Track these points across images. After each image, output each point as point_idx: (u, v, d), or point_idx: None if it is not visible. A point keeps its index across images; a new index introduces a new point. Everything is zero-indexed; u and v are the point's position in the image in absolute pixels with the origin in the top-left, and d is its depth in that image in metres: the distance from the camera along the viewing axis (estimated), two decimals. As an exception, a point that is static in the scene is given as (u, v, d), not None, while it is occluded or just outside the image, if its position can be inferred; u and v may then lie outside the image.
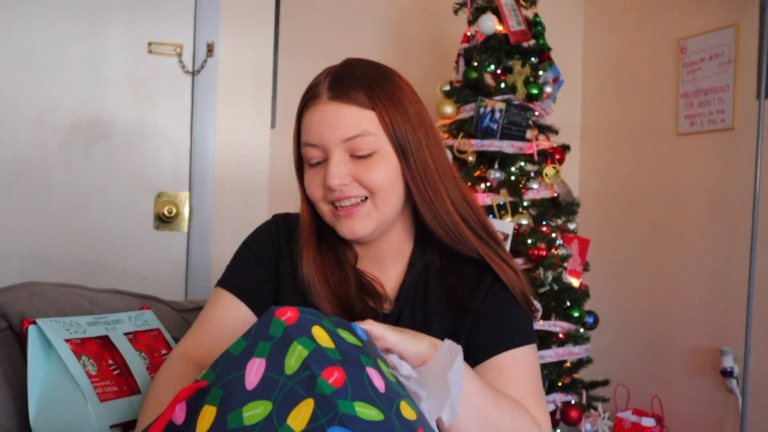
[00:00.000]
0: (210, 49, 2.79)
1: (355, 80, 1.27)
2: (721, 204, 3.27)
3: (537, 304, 1.37)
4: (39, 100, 2.67)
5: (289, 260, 1.35)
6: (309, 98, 1.29)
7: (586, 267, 3.15)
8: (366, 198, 1.27)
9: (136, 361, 1.30)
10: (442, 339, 1.12)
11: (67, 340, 1.20)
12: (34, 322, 1.20)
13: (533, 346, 1.31)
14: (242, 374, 0.89)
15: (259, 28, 2.90)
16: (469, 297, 1.31)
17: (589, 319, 3.07)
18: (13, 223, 2.65)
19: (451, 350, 1.05)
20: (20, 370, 1.28)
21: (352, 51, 3.39)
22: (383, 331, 1.04)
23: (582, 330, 3.00)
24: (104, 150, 2.74)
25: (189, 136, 2.82)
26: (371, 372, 0.90)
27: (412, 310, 1.32)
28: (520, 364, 1.27)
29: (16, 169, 2.66)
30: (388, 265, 1.37)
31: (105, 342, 1.30)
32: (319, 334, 0.91)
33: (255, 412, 0.86)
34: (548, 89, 3.08)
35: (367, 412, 0.84)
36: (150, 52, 2.76)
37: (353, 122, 1.24)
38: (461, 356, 1.05)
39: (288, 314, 0.91)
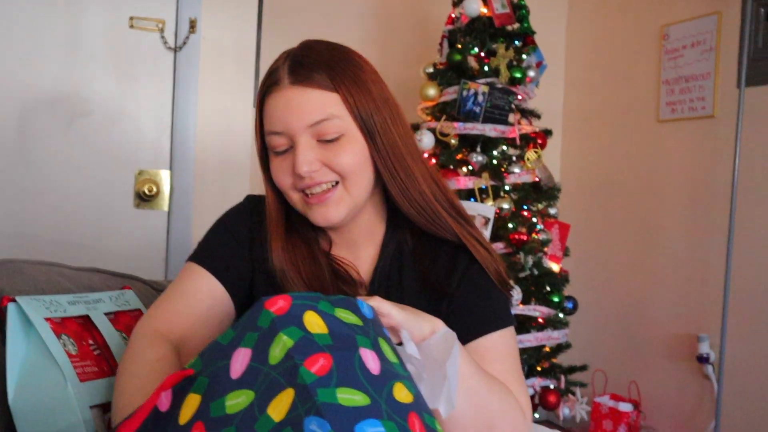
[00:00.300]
0: (192, 25, 2.76)
1: (315, 63, 1.22)
2: (700, 191, 3.29)
3: (514, 286, 1.36)
4: (17, 76, 2.63)
5: (260, 245, 1.32)
6: (269, 85, 1.24)
7: (566, 252, 3.16)
8: (337, 183, 1.24)
9: (116, 342, 1.29)
10: None
11: (47, 319, 1.19)
12: (14, 300, 1.18)
13: (511, 329, 1.30)
14: (227, 363, 0.88)
15: (243, 4, 2.87)
16: (445, 280, 1.30)
17: (569, 305, 3.08)
18: (-10, 199, 2.62)
19: (446, 338, 1.04)
20: (1, 350, 1.26)
21: (335, 29, 3.39)
22: (389, 308, 1.02)
23: (561, 315, 3.01)
24: (84, 127, 2.71)
25: (170, 113, 2.79)
26: (365, 353, 0.89)
27: (387, 295, 1.29)
28: (500, 347, 1.26)
29: (-7, 145, 2.62)
30: (361, 249, 1.35)
31: (85, 321, 1.28)
32: (311, 320, 0.89)
33: (237, 401, 0.86)
34: (531, 73, 3.08)
35: (350, 398, 0.82)
36: (131, 27, 2.73)
37: (318, 106, 1.20)
38: (458, 347, 1.04)
39: (279, 304, 0.90)
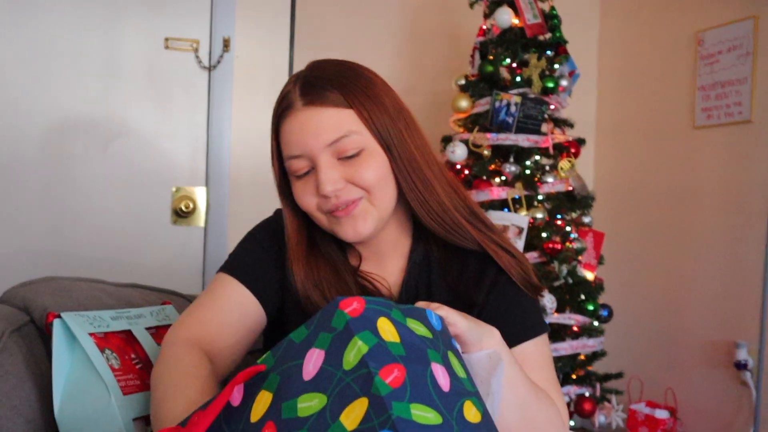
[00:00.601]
0: (226, 44, 2.81)
1: (326, 81, 1.22)
2: (736, 197, 3.26)
3: (543, 287, 1.34)
4: (57, 97, 2.70)
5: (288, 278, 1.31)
6: (283, 109, 1.24)
7: (600, 260, 3.16)
8: (362, 197, 1.23)
9: (157, 356, 1.32)
10: None
11: (91, 334, 1.22)
12: (59, 316, 1.22)
13: (545, 336, 1.29)
14: (300, 363, 0.87)
15: (275, 22, 2.92)
16: (474, 291, 1.29)
17: (604, 312, 3.08)
18: (32, 219, 2.69)
19: (490, 357, 1.03)
20: (43, 363, 1.30)
21: (367, 45, 3.43)
22: (455, 317, 1.01)
23: (596, 323, 3.01)
24: (122, 146, 2.76)
25: (205, 131, 2.84)
26: (436, 369, 0.87)
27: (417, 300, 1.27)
28: (535, 356, 1.25)
29: (35, 166, 2.69)
30: (388, 262, 1.35)
31: (127, 336, 1.32)
32: (384, 326, 0.87)
33: (310, 404, 0.85)
34: (564, 83, 3.09)
35: (423, 414, 0.81)
36: (167, 47, 2.79)
37: (334, 124, 1.20)
38: (503, 366, 1.03)
39: (353, 305, 0.88)
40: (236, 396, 0.91)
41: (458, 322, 1.02)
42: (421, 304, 1.02)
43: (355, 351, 0.84)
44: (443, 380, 0.86)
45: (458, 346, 1.00)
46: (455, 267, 1.33)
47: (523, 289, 1.31)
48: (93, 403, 1.16)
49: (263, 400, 0.88)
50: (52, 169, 2.70)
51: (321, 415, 0.83)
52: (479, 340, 1.04)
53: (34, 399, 1.24)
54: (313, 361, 0.86)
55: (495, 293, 1.29)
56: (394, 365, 0.83)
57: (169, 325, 1.44)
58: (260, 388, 0.89)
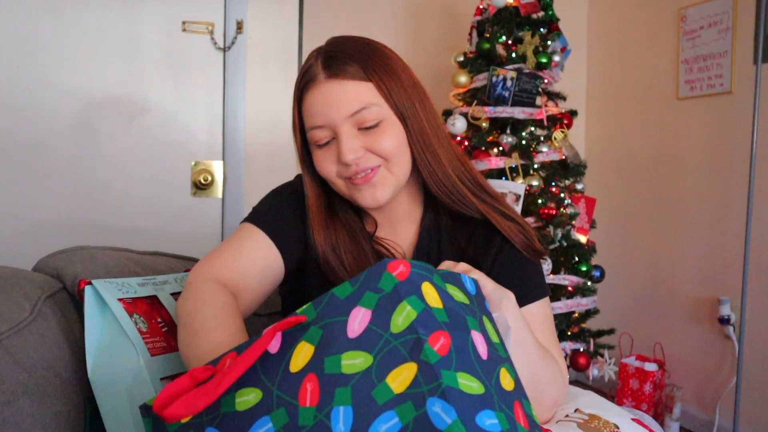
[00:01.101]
0: (239, 26, 2.78)
1: (347, 56, 1.21)
2: (719, 163, 3.24)
3: (545, 251, 1.33)
4: (83, 78, 2.68)
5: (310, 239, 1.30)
6: (306, 82, 1.23)
7: (592, 224, 3.15)
8: (380, 166, 1.23)
9: (182, 319, 1.32)
10: None
11: (119, 300, 1.22)
12: (90, 283, 1.22)
13: (547, 299, 1.29)
14: (345, 320, 0.83)
15: (285, 4, 2.89)
16: (481, 257, 1.28)
17: (596, 273, 3.07)
18: (64, 192, 2.68)
19: (499, 321, 1.00)
20: (76, 327, 1.29)
21: (371, 26, 3.39)
22: (485, 280, 1.00)
23: (589, 283, 3.00)
24: (144, 124, 2.75)
25: (222, 108, 2.82)
26: (476, 336, 0.84)
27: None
28: (538, 318, 1.25)
29: (65, 143, 2.68)
30: (401, 228, 1.34)
31: (153, 301, 1.31)
32: (429, 291, 0.84)
33: (354, 361, 0.80)
34: (556, 58, 3.06)
35: (468, 384, 0.78)
36: (184, 30, 2.76)
37: (355, 96, 1.19)
38: (511, 331, 1.01)
39: (400, 268, 0.84)
40: (274, 344, 0.86)
41: (487, 284, 1.00)
42: (447, 264, 1.01)
43: (404, 315, 0.80)
44: (482, 348, 0.84)
45: (490, 309, 0.96)
46: (463, 235, 1.32)
47: (525, 254, 1.30)
48: (123, 364, 1.16)
49: (304, 352, 0.84)
50: (80, 145, 2.69)
51: (366, 374, 0.79)
52: (499, 302, 1.03)
53: (68, 360, 1.24)
54: (359, 320, 0.82)
55: (500, 259, 1.28)
56: (441, 332, 0.80)
57: (192, 290, 1.43)
58: (300, 338, 0.85)
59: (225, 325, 1.07)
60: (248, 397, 0.85)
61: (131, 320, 1.20)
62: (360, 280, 0.85)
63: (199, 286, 1.15)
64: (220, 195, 2.85)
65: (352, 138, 1.20)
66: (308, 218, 1.30)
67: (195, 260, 1.73)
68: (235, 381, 0.85)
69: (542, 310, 1.27)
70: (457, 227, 1.32)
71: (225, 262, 1.21)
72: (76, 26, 2.66)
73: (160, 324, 1.27)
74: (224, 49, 2.79)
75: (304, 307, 0.87)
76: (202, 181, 2.79)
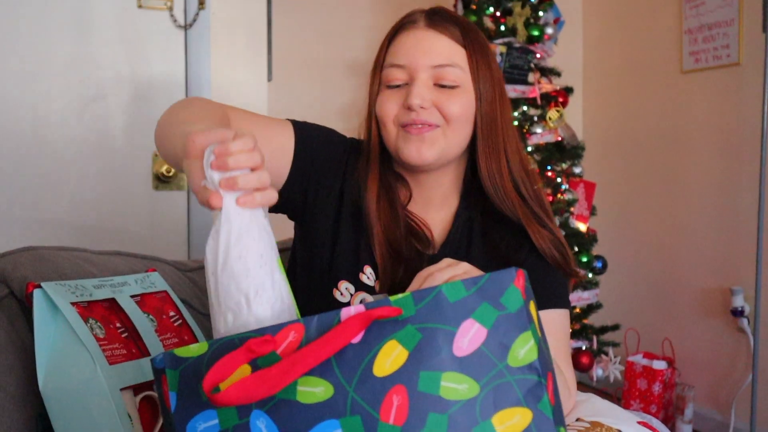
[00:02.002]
0: (201, 2, 2.75)
1: (452, 18, 1.34)
2: (728, 141, 3.25)
3: (578, 271, 1.40)
4: (26, 61, 2.64)
5: (351, 185, 1.39)
6: (403, 23, 1.36)
7: (592, 211, 3.15)
8: (437, 126, 1.31)
9: (144, 324, 1.30)
10: None
11: (73, 303, 1.20)
12: (39, 286, 1.20)
13: (566, 313, 1.35)
14: (453, 332, 0.76)
15: (251, -24, 2.87)
16: (513, 254, 1.35)
17: (598, 264, 3.08)
18: (7, 188, 2.65)
19: None
20: (25, 336, 1.28)
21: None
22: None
23: (590, 275, 3.01)
24: (97, 111, 2.72)
25: (184, 92, 2.80)
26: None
27: (455, 258, 1.32)
28: (556, 325, 1.29)
29: (6, 133, 2.64)
30: (433, 211, 1.41)
31: (112, 305, 1.29)
32: (534, 315, 0.79)
33: (457, 386, 0.74)
34: (549, 30, 3.05)
35: None
36: (139, 6, 2.73)
37: (447, 52, 1.31)
38: None
39: (522, 282, 0.79)
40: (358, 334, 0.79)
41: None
42: (447, 261, 1.04)
43: (527, 349, 0.75)
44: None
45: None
46: (496, 234, 1.38)
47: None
48: (78, 374, 1.14)
49: (394, 355, 0.76)
50: (26, 136, 2.65)
51: (469, 406, 0.74)
52: None
53: (18, 373, 1.22)
54: (470, 337, 0.76)
55: (531, 258, 1.34)
56: (550, 374, 0.77)
57: (154, 293, 1.42)
58: (390, 335, 0.77)
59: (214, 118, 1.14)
60: (315, 390, 0.78)
61: (86, 326, 1.18)
62: (478, 284, 0.79)
63: (193, 100, 1.24)
64: (185, 188, 2.82)
65: (426, 87, 1.30)
66: (361, 163, 1.40)
67: (158, 260, 1.71)
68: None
69: (560, 318, 1.32)
70: (489, 225, 1.39)
71: (237, 123, 1.29)
72: (18, 4, 2.62)
73: (119, 329, 1.25)
74: (185, 27, 2.76)
75: (401, 296, 0.79)
76: (165, 172, 2.76)
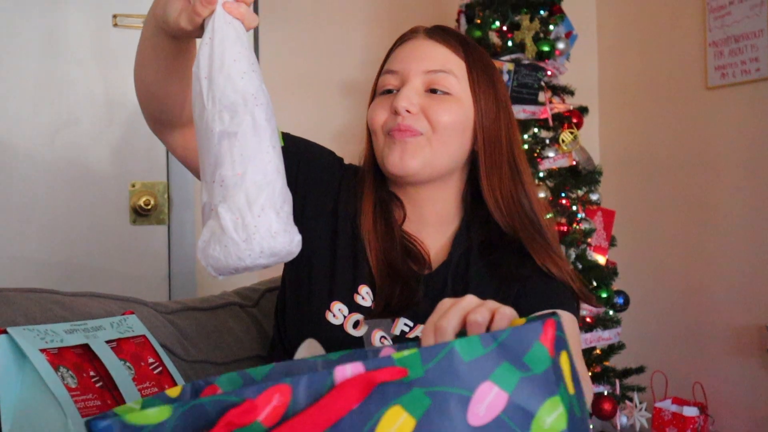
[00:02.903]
0: (182, 19, 2.77)
1: (454, 34, 1.45)
2: (759, 164, 3.25)
3: (588, 296, 1.47)
4: (-8, 84, 2.66)
5: (346, 205, 1.47)
6: (403, 37, 1.47)
7: (612, 242, 3.15)
8: (423, 134, 1.38)
9: (120, 372, 1.29)
10: None
11: (42, 350, 1.19)
12: (5, 332, 1.19)
13: (574, 318, 1.39)
14: (468, 397, 0.71)
15: (235, -8, 2.88)
16: (516, 268, 1.41)
17: (619, 300, 3.07)
18: (-29, 223, 2.64)
19: None
20: (-10, 387, 1.27)
21: (340, 12, 3.39)
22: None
23: (611, 312, 3.00)
24: (70, 137, 2.73)
25: (163, 117, 2.80)
26: None
27: (453, 284, 1.41)
28: (567, 327, 1.31)
29: (-29, 163, 2.64)
30: (428, 233, 1.47)
31: (85, 351, 1.29)
32: (566, 370, 0.74)
33: None
34: (561, 45, 3.07)
35: None
36: (115, 25, 2.75)
37: (441, 59, 1.40)
38: None
39: (551, 336, 0.74)
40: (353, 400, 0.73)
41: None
42: (447, 303, 0.96)
43: (555, 417, 0.71)
44: None
45: None
46: (496, 248, 1.45)
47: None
48: (47, 428, 1.13)
49: (398, 424, 0.71)
50: (-10, 167, 2.65)
51: None
52: None
53: (-21, 429, 1.20)
54: (488, 403, 0.71)
55: (536, 275, 1.40)
56: None
57: (132, 338, 1.42)
58: (393, 400, 0.72)
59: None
60: None
61: (57, 375, 1.18)
62: (498, 340, 0.73)
63: None
64: (165, 222, 2.82)
65: (414, 91, 1.39)
66: (356, 182, 1.48)
67: (136, 301, 1.71)
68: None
69: (569, 321, 1.34)
70: (490, 246, 1.45)
71: None
72: (-16, 24, 2.64)
73: (93, 378, 1.25)
74: (164, 47, 2.79)
75: (406, 353, 0.73)
76: (143, 205, 2.76)
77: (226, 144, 1.00)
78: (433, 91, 1.39)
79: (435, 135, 1.38)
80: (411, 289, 1.37)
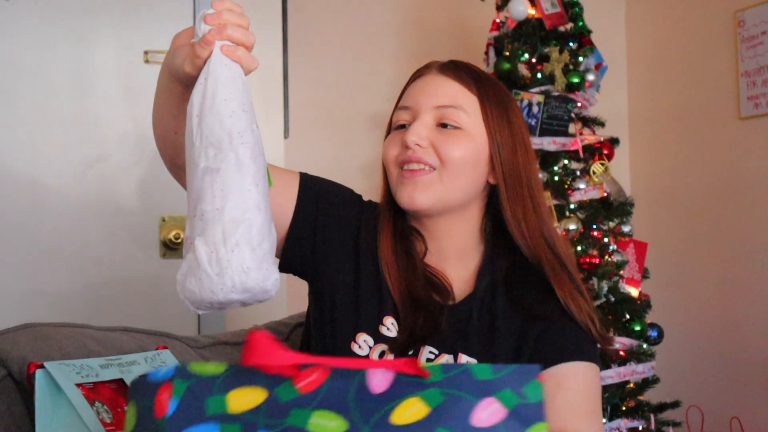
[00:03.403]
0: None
1: (469, 70, 1.47)
2: (794, 194, 3.24)
3: (608, 338, 1.48)
4: (24, 120, 2.70)
5: (367, 239, 1.48)
6: (418, 71, 1.50)
7: (645, 274, 3.13)
8: (435, 169, 1.40)
9: (154, 406, 1.31)
10: (508, 346, 1.37)
11: (78, 385, 1.21)
12: (42, 366, 1.21)
13: (596, 368, 1.39)
14: (475, 402, 0.87)
15: (265, 26, 2.92)
16: (539, 304, 1.41)
17: (653, 333, 3.05)
18: (5, 257, 2.68)
19: None
20: (24, 423, 1.29)
21: (367, 45, 3.43)
22: None
23: (645, 345, 2.98)
24: (100, 172, 2.76)
25: (193, 152, 2.83)
26: None
27: (479, 315, 1.43)
28: (579, 379, 1.35)
29: (3, 198, 2.68)
30: (450, 267, 1.49)
31: (120, 386, 1.31)
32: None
33: None
34: (590, 77, 3.08)
35: None
36: (146, 61, 2.79)
37: (452, 94, 1.43)
38: None
39: (459, 359, 0.92)
40: (381, 383, 0.88)
41: None
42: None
43: None
44: None
45: None
46: (521, 282, 1.46)
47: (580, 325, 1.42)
48: (85, 463, 1.14)
49: (415, 408, 0.86)
50: (21, 201, 2.69)
51: None
52: None
53: (17, 463, 1.22)
54: (490, 411, 0.86)
55: (557, 313, 1.41)
56: None
57: (165, 372, 1.43)
58: (413, 392, 0.88)
59: None
60: (330, 423, 0.85)
61: (92, 410, 1.20)
62: (504, 371, 0.89)
63: None
64: (194, 256, 2.85)
65: (424, 126, 1.41)
66: (377, 213, 1.50)
67: (168, 336, 1.73)
68: (317, 399, 0.86)
69: (585, 371, 1.36)
70: (515, 279, 1.46)
71: None
72: (16, 58, 2.69)
73: (128, 413, 1.26)
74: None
75: (432, 365, 0.90)
76: (173, 239, 2.79)
77: (208, 179, 1.05)
78: (444, 125, 1.42)
79: (445, 169, 1.40)
80: (434, 318, 1.39)
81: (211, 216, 1.03)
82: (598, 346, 1.44)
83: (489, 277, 1.47)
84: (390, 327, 1.41)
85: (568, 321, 1.41)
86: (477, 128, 1.43)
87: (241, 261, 1.03)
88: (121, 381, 1.32)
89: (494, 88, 1.47)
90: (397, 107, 1.50)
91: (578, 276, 1.46)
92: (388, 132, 1.51)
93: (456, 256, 1.50)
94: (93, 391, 1.24)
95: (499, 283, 1.46)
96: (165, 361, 1.46)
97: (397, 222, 1.50)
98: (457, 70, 1.46)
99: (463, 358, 1.36)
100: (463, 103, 1.42)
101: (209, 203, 1.04)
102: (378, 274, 1.45)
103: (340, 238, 1.48)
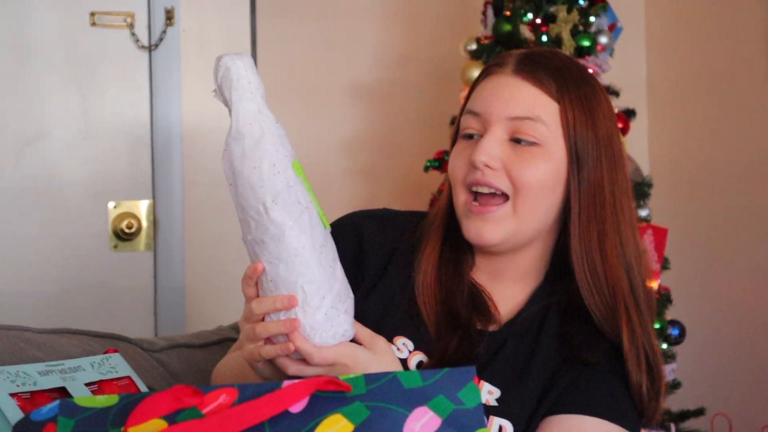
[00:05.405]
0: (169, 17, 2.80)
1: (548, 66, 1.41)
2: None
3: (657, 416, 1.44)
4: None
5: (405, 252, 1.48)
6: (491, 67, 1.45)
7: (665, 264, 3.14)
8: (507, 198, 1.37)
9: (101, 418, 1.31)
10: (539, 384, 1.35)
11: (13, 395, 1.21)
12: (-30, 375, 1.21)
13: (613, 427, 1.34)
14: (405, 415, 0.91)
15: (230, -19, 2.91)
16: (587, 348, 1.38)
17: (674, 331, 3.06)
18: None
19: None
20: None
21: (349, 5, 3.40)
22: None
23: (665, 345, 2.99)
24: (40, 152, 2.75)
25: (149, 128, 2.82)
26: None
27: (518, 343, 1.41)
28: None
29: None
30: (500, 289, 1.47)
31: (62, 395, 1.30)
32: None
33: None
34: (603, 40, 3.08)
35: None
36: (93, 24, 2.78)
37: (529, 102, 1.38)
38: None
39: (481, 386, 0.97)
40: (299, 401, 0.93)
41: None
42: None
43: None
44: None
45: None
46: (577, 319, 1.42)
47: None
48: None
49: (337, 428, 0.90)
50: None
51: None
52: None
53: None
54: (423, 422, 0.90)
55: (603, 365, 1.38)
56: None
57: (115, 379, 1.43)
58: (335, 409, 0.91)
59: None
60: None
61: (30, 423, 1.19)
62: (435, 377, 0.94)
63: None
64: (151, 247, 2.84)
65: (496, 142, 1.37)
66: (426, 222, 1.51)
67: (119, 338, 1.72)
68: None
69: (591, 427, 1.32)
70: (569, 314, 1.43)
71: None
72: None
73: (71, 427, 1.26)
74: (149, 48, 2.81)
75: (353, 375, 0.95)
76: (125, 229, 2.78)
77: (258, 250, 1.24)
78: (518, 140, 1.37)
79: (519, 196, 1.37)
80: (470, 343, 1.38)
81: (273, 286, 1.19)
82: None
83: (541, 306, 1.45)
84: (401, 347, 1.40)
85: (609, 377, 1.38)
86: (556, 142, 1.38)
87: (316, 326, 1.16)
88: (63, 390, 1.31)
89: (578, 84, 1.41)
90: (464, 109, 1.45)
91: (651, 319, 1.43)
92: (455, 137, 1.48)
93: (513, 278, 1.48)
94: (30, 401, 1.24)
95: (552, 312, 1.44)
96: (114, 366, 1.45)
97: (449, 230, 1.48)
98: (534, 68, 1.40)
99: (485, 387, 1.33)
100: (542, 113, 1.37)
101: (271, 271, 1.19)
102: (406, 285, 1.45)
103: (375, 262, 1.50)
